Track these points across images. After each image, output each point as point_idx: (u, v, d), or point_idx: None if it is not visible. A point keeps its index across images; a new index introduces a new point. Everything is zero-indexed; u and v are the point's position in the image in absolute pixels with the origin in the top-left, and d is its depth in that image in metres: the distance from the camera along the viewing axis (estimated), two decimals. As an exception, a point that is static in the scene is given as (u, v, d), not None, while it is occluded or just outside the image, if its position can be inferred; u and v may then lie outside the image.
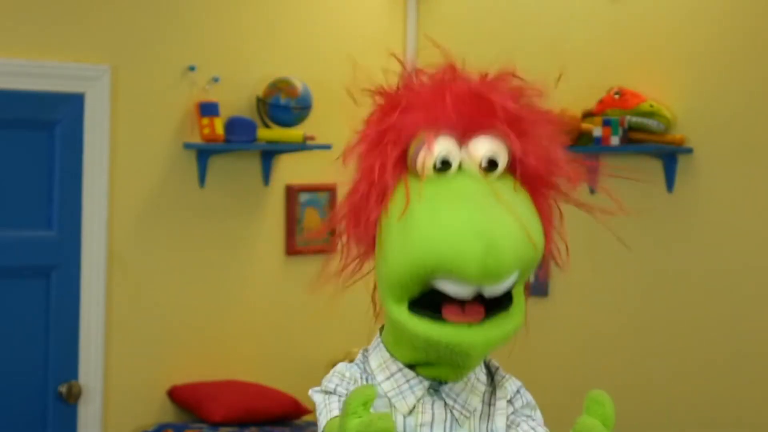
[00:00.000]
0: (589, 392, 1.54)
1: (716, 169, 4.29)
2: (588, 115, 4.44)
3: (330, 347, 4.78)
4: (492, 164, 1.56)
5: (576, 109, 4.41)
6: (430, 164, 1.55)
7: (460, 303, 1.51)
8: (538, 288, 4.69)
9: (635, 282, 4.51)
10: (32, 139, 4.19)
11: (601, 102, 4.39)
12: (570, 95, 4.29)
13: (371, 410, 1.49)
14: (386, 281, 1.57)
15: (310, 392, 1.64)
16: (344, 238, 1.66)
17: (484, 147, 1.56)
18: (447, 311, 1.51)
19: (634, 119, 4.35)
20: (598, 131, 4.37)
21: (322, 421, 1.59)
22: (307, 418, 4.55)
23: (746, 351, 4.22)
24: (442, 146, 1.56)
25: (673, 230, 4.40)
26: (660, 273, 4.44)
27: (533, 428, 1.63)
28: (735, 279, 4.25)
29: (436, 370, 1.59)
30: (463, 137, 1.57)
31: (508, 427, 1.64)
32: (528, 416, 1.65)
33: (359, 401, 1.45)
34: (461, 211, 1.50)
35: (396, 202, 1.57)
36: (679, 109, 4.38)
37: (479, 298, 1.51)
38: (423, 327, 1.52)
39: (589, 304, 4.64)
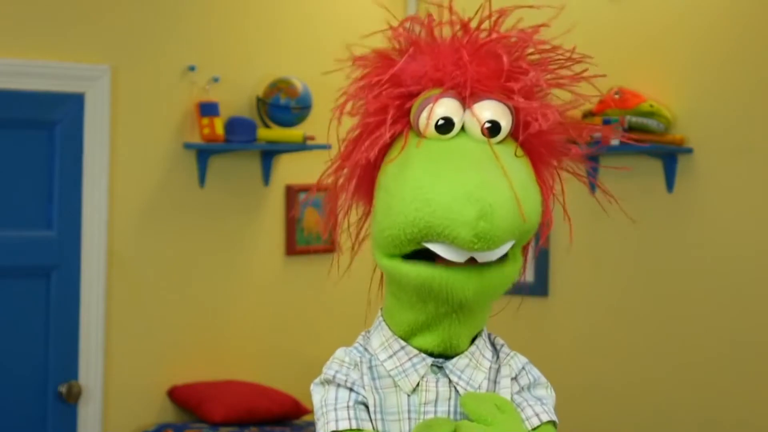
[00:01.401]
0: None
1: (716, 169, 4.29)
2: (588, 115, 4.43)
3: (330, 347, 4.76)
4: (495, 128, 1.55)
5: (576, 109, 4.41)
6: (432, 123, 1.55)
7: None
8: (538, 288, 4.69)
9: (635, 282, 4.51)
10: (32, 139, 4.19)
11: (601, 102, 4.39)
12: (569, 95, 4.28)
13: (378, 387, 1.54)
14: (379, 238, 1.56)
15: (311, 386, 1.63)
16: (341, 191, 1.65)
17: (487, 110, 1.55)
18: (440, 260, 1.51)
19: (634, 119, 4.35)
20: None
21: (320, 430, 1.58)
22: (307, 418, 4.55)
23: (747, 350, 4.22)
24: (445, 106, 1.55)
25: (673, 230, 4.40)
26: (660, 273, 4.44)
27: (537, 414, 1.60)
28: (735, 278, 4.25)
29: (436, 334, 1.57)
30: (467, 98, 1.55)
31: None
32: (538, 399, 1.62)
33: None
34: (457, 174, 1.49)
35: (393, 156, 1.57)
36: (679, 109, 4.38)
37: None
38: (416, 269, 1.52)
39: (589, 304, 4.64)
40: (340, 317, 4.73)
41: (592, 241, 4.50)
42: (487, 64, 1.57)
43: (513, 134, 1.58)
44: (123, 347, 4.39)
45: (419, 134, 1.56)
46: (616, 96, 4.37)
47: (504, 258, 1.53)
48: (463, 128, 1.56)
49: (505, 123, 1.56)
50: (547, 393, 1.63)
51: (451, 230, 1.46)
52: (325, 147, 4.58)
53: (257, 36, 4.72)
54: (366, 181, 1.64)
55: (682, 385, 4.38)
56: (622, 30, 4.50)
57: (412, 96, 1.58)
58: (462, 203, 1.45)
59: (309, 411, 4.47)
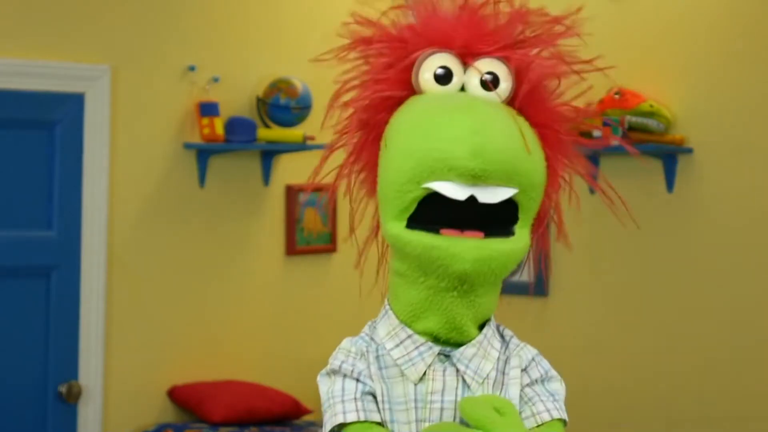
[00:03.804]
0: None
1: (716, 169, 4.29)
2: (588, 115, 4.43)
3: (330, 347, 4.76)
4: (494, 81, 1.57)
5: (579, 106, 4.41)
6: (429, 77, 1.58)
7: (460, 230, 1.51)
8: (538, 288, 4.69)
9: (635, 282, 4.51)
10: (32, 139, 4.19)
11: (601, 102, 4.39)
12: (569, 95, 4.28)
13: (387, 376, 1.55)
14: (382, 195, 1.58)
15: (318, 378, 1.62)
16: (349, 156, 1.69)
17: (486, 65, 1.58)
18: (445, 231, 1.52)
19: (634, 119, 4.35)
20: (598, 131, 4.37)
21: (327, 425, 1.57)
22: (307, 418, 4.55)
23: (746, 350, 4.22)
24: (443, 59, 1.58)
25: (673, 230, 4.40)
26: (660, 273, 4.44)
27: (548, 410, 1.58)
28: (735, 279, 4.25)
29: (439, 314, 1.56)
30: (466, 58, 1.58)
31: (524, 402, 1.59)
32: (551, 395, 1.60)
33: None
34: (455, 108, 1.52)
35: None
36: (679, 109, 4.38)
37: (477, 226, 1.51)
38: (420, 237, 1.52)
39: (589, 304, 4.64)
40: (340, 317, 4.73)
41: (592, 241, 4.50)
42: (488, 27, 1.59)
43: (512, 102, 1.59)
44: (123, 347, 4.39)
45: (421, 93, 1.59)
46: (616, 96, 4.37)
47: (508, 234, 1.54)
48: (463, 89, 1.58)
49: (504, 82, 1.58)
50: (560, 387, 1.62)
51: (446, 151, 1.47)
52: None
53: (257, 36, 4.72)
54: (370, 167, 1.65)
55: (681, 385, 4.38)
56: (622, 30, 4.50)
57: (412, 56, 1.60)
58: (456, 123, 1.48)
59: (309, 411, 4.47)
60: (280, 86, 4.62)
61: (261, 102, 4.65)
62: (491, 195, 1.50)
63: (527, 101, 1.58)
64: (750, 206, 4.21)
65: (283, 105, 4.61)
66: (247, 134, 4.56)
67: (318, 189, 4.86)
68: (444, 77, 1.57)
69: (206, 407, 4.32)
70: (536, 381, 1.61)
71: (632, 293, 4.52)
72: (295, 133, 4.64)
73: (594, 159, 4.47)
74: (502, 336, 1.63)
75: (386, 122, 1.61)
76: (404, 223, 1.54)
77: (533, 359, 1.62)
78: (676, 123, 4.38)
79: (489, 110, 1.51)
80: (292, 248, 4.82)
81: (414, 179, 1.51)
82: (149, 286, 4.47)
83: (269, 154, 4.74)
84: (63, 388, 4.23)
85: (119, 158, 4.37)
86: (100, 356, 4.32)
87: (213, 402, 4.33)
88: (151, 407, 4.47)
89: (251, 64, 4.69)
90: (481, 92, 1.57)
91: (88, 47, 4.30)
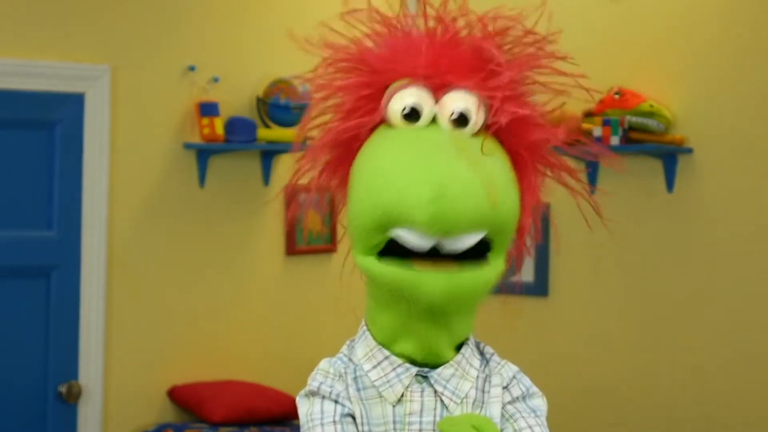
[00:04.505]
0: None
1: (716, 169, 4.30)
2: (588, 115, 4.44)
3: (330, 347, 4.77)
4: (462, 118, 1.54)
5: (576, 109, 4.41)
6: (398, 111, 1.54)
7: (432, 260, 1.48)
8: (538, 288, 4.69)
9: (635, 282, 4.51)
10: (32, 139, 4.19)
11: (601, 102, 4.39)
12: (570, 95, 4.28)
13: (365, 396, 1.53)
14: (351, 232, 1.56)
15: (297, 399, 1.60)
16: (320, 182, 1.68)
17: (455, 100, 1.54)
18: (416, 263, 1.49)
19: (634, 119, 4.35)
20: (598, 131, 4.37)
21: None
22: (307, 418, 4.54)
23: (747, 350, 4.22)
24: (413, 95, 1.55)
25: (674, 230, 4.40)
26: (660, 273, 4.44)
27: (530, 426, 1.57)
28: (735, 279, 4.25)
29: (414, 338, 1.54)
30: (438, 90, 1.54)
31: (506, 419, 1.57)
32: (532, 411, 1.59)
33: None
34: (418, 158, 1.47)
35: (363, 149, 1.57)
36: (679, 109, 4.38)
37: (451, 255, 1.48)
38: (390, 270, 1.50)
39: (589, 304, 4.64)
40: (340, 317, 4.72)
41: (592, 241, 4.50)
42: (461, 55, 1.55)
43: (490, 129, 1.55)
44: (123, 347, 4.39)
45: (390, 125, 1.56)
46: (616, 96, 4.37)
47: (481, 260, 1.51)
48: (435, 120, 1.55)
49: (477, 114, 1.54)
50: (542, 402, 1.61)
51: (407, 214, 1.44)
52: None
53: (257, 36, 4.72)
54: (344, 182, 1.64)
55: (682, 385, 4.38)
56: (622, 30, 4.50)
57: (384, 86, 1.57)
58: (417, 185, 1.44)
59: (309, 411, 4.47)
60: (280, 86, 4.62)
61: (261, 102, 4.65)
62: (458, 243, 1.47)
63: (501, 130, 1.55)
64: (750, 206, 4.21)
65: (283, 105, 4.61)
66: (247, 134, 4.56)
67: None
68: (412, 114, 1.54)
69: (206, 407, 4.32)
70: (518, 398, 1.59)
71: (632, 293, 4.52)
72: (295, 133, 4.63)
73: (593, 161, 4.46)
74: (482, 353, 1.62)
75: (358, 149, 1.59)
76: (374, 256, 1.53)
77: (514, 377, 1.61)
78: (676, 123, 4.39)
79: (452, 160, 1.46)
80: (292, 248, 4.82)
81: (378, 228, 1.49)
82: (149, 286, 4.47)
83: (269, 154, 4.74)
84: (63, 388, 4.23)
85: (119, 158, 4.37)
86: (100, 356, 4.32)
87: (213, 402, 4.33)
88: (151, 407, 4.47)
89: (251, 64, 4.69)
90: (451, 126, 1.53)
91: (88, 47, 4.30)
